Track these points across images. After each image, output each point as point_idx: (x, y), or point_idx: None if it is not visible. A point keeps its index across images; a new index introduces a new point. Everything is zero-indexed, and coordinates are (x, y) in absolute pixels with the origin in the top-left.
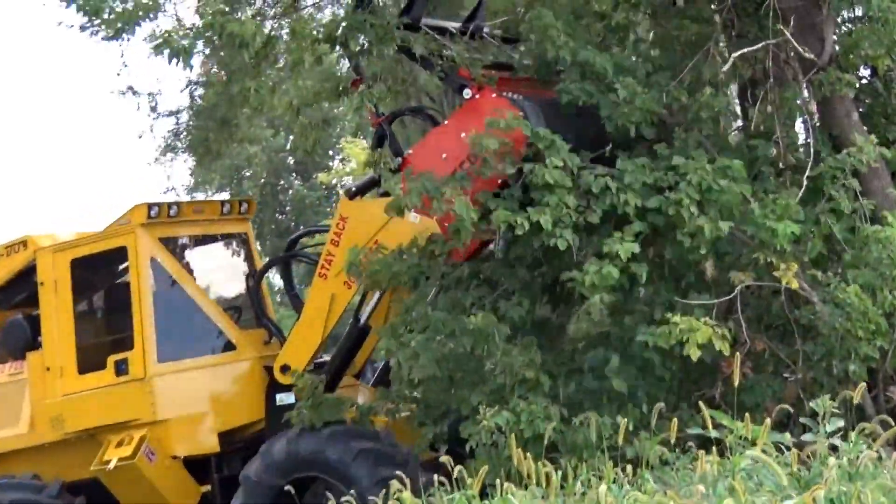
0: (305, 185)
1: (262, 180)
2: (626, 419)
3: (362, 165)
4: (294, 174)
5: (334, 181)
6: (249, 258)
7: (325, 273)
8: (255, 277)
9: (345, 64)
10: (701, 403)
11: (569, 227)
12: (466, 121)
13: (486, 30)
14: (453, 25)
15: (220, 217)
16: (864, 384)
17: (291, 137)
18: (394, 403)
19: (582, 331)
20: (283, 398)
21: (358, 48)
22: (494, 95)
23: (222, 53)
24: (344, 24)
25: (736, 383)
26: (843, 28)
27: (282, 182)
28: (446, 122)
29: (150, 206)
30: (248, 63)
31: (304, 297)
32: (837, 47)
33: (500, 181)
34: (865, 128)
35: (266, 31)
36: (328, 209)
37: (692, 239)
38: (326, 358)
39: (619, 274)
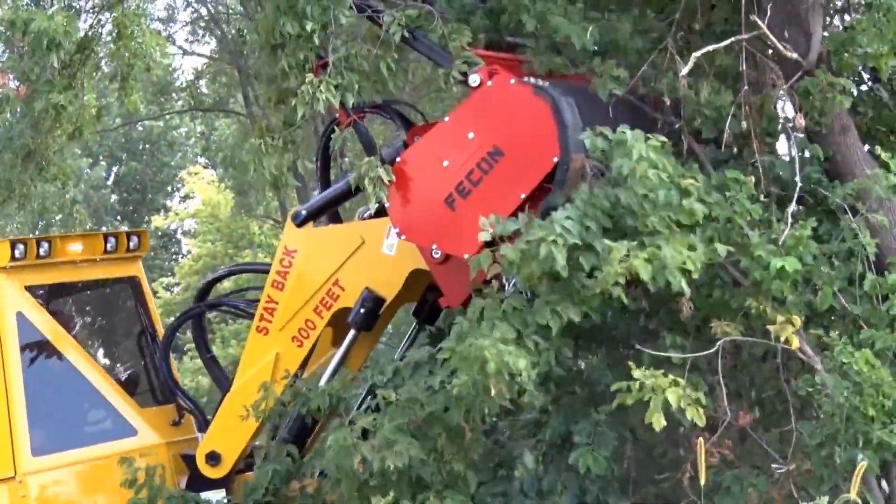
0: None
1: (77, 225)
2: None
3: (210, 205)
4: (119, 218)
5: (173, 226)
6: (144, 310)
7: (265, 327)
8: (153, 335)
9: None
10: None
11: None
12: (474, 117)
13: None
14: None
15: (103, 256)
16: (861, 468)
17: (116, 169)
18: None
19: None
20: (211, 498)
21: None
22: (513, 82)
23: (22, 60)
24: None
25: (702, 481)
26: (835, 20)
27: (103, 228)
28: (447, 118)
29: (12, 243)
30: (57, 72)
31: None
32: (828, 44)
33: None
34: (867, 147)
35: (81, 28)
36: (166, 262)
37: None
38: None
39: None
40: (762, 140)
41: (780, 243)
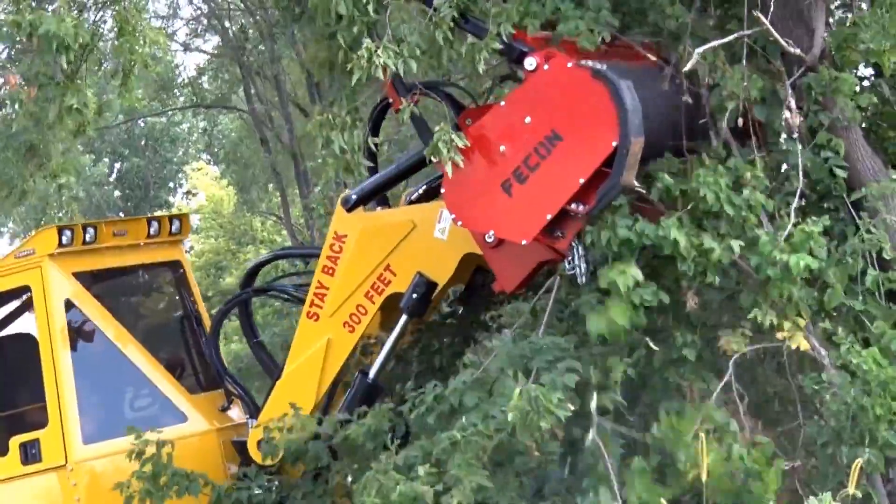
0: None
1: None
2: None
3: (213, 202)
4: (122, 214)
5: None
6: (187, 294)
7: (315, 313)
8: (198, 320)
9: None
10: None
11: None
12: (531, 101)
13: None
14: None
15: (147, 241)
16: (857, 465)
17: (118, 165)
18: None
19: None
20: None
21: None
22: (570, 65)
23: (31, 62)
24: None
25: (704, 477)
26: (838, 15)
27: None
28: (503, 103)
29: (60, 229)
30: (65, 72)
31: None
32: (830, 40)
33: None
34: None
35: (86, 28)
36: None
37: (696, 265)
38: None
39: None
40: (766, 135)
41: (785, 239)
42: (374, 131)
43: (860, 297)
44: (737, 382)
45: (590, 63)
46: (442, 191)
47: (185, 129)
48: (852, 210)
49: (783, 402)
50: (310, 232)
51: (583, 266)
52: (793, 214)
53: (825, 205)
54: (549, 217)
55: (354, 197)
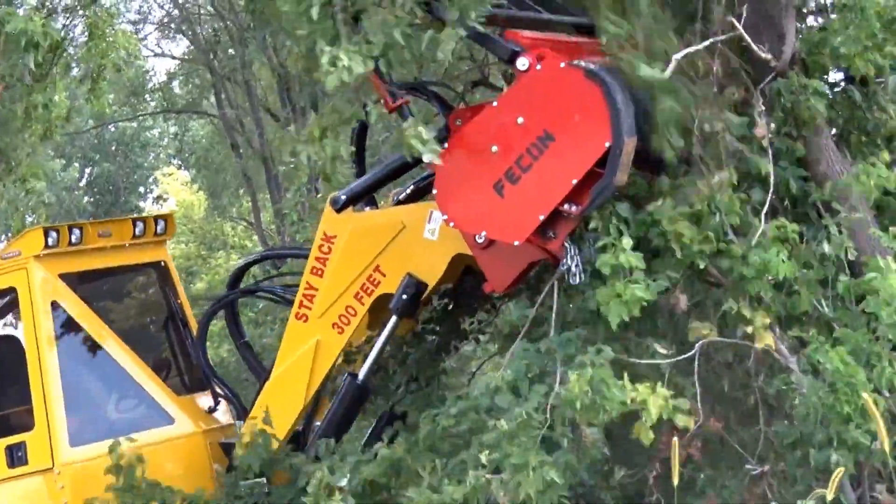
0: None
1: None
2: None
3: (184, 207)
4: (91, 220)
5: None
6: (173, 295)
7: (304, 314)
8: (184, 321)
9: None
10: None
11: None
12: (523, 101)
13: None
14: None
15: (132, 241)
16: (838, 474)
17: (89, 170)
18: None
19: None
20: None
21: None
22: (563, 65)
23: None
24: None
25: (675, 481)
26: (809, 21)
27: None
28: (495, 103)
29: (46, 230)
30: (34, 72)
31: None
32: (801, 46)
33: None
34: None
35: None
36: None
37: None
38: None
39: (644, 291)
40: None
41: (757, 242)
42: (362, 132)
43: (830, 304)
44: (703, 381)
45: (582, 63)
46: (433, 191)
47: (156, 135)
48: (821, 215)
49: (752, 406)
50: (281, 237)
51: (575, 266)
52: (763, 220)
53: (796, 211)
54: (541, 218)
55: (343, 198)
